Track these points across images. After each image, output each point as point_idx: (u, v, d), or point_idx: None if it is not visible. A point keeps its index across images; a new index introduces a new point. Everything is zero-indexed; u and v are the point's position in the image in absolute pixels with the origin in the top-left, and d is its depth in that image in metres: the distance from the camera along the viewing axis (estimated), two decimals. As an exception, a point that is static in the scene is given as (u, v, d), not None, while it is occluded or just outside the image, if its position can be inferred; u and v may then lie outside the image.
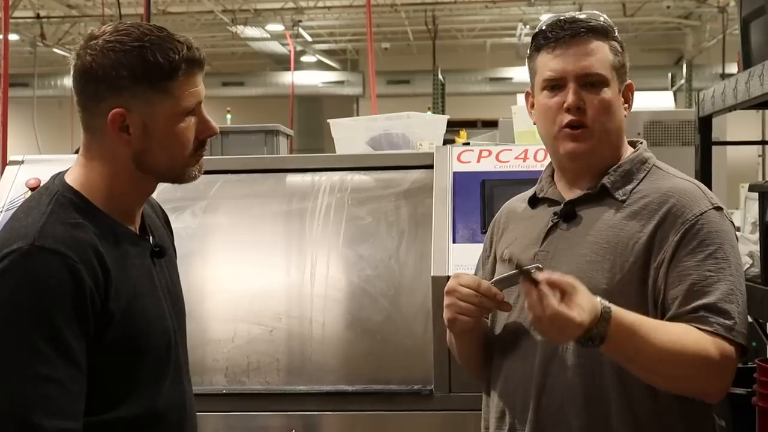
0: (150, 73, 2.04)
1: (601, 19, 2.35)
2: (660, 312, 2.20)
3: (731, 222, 2.28)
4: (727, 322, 2.14)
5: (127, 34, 2.06)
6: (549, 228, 2.35)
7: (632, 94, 2.37)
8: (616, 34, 2.34)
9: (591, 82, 2.28)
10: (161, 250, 2.24)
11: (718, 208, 2.25)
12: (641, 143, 2.42)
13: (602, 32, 2.31)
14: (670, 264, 2.19)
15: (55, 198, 2.07)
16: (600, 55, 2.29)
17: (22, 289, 1.92)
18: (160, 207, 2.45)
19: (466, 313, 2.27)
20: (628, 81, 2.36)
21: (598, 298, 2.04)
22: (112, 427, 2.06)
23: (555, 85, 2.30)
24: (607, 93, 2.29)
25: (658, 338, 2.09)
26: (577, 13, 2.38)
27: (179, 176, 2.18)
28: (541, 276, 2.01)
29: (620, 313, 2.06)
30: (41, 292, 1.92)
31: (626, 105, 2.36)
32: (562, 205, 2.36)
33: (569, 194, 2.37)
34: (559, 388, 2.25)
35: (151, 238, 2.24)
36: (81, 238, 2.00)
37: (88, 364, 1.99)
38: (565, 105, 2.28)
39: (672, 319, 2.17)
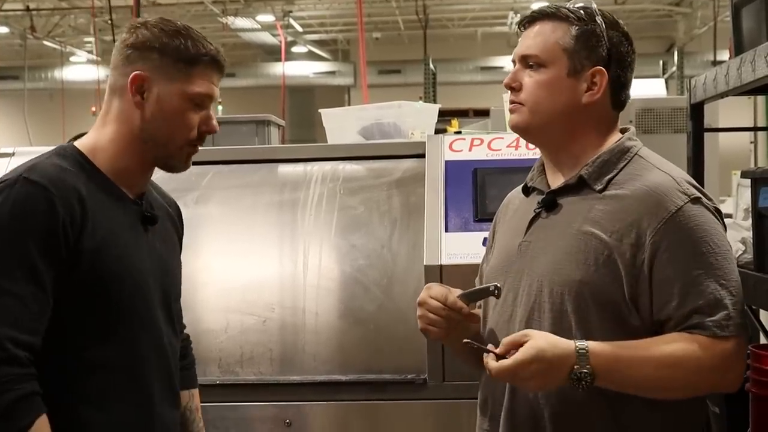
0: (177, 52, 2.31)
1: (578, 6, 2.36)
2: (648, 314, 2.20)
3: (714, 209, 2.25)
4: (721, 319, 2.14)
5: (172, 23, 2.36)
6: (532, 218, 2.37)
7: (602, 80, 2.32)
8: (594, 20, 2.33)
9: (528, 63, 2.35)
10: (152, 217, 2.41)
11: (695, 199, 2.22)
12: (628, 130, 2.41)
13: (559, 16, 2.34)
14: (652, 267, 2.18)
15: (56, 150, 2.33)
16: (544, 37, 2.34)
17: (2, 211, 2.15)
18: (176, 205, 2.65)
19: (435, 325, 2.35)
20: (597, 67, 2.32)
21: (575, 342, 2.11)
22: (87, 367, 2.23)
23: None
24: (545, 73, 2.33)
25: (645, 358, 2.13)
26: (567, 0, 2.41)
27: (170, 158, 2.38)
28: (495, 349, 2.13)
29: (598, 346, 2.12)
30: (17, 216, 2.14)
31: (590, 91, 2.33)
32: (545, 194, 2.38)
33: (555, 184, 2.38)
34: None
35: (146, 206, 2.41)
36: (66, 179, 2.21)
37: (63, 297, 2.17)
38: (503, 83, 2.41)
39: (665, 324, 2.18)
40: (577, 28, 2.32)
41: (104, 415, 2.25)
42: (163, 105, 2.31)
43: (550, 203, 2.34)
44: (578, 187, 2.31)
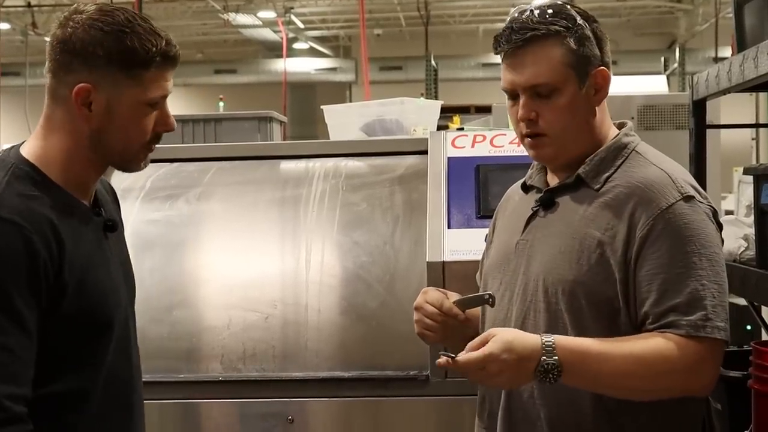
0: (125, 57, 2.09)
1: (560, 14, 2.26)
2: (633, 312, 2.19)
3: (710, 209, 2.22)
4: (697, 320, 2.11)
5: (111, 16, 2.11)
6: (529, 216, 2.36)
7: (606, 79, 2.29)
8: (577, 23, 2.25)
9: (539, 92, 2.24)
10: (113, 225, 2.28)
11: (688, 198, 2.19)
12: (626, 125, 2.38)
13: (552, 34, 2.23)
14: (637, 262, 2.17)
15: (11, 170, 2.10)
16: (547, 61, 2.23)
17: None
18: (108, 183, 2.47)
19: (431, 330, 2.37)
20: (599, 68, 2.28)
21: (540, 336, 2.10)
22: (62, 397, 2.10)
23: (512, 95, 2.30)
24: (561, 99, 2.24)
25: (614, 355, 2.10)
26: (534, 7, 2.28)
27: (128, 163, 2.23)
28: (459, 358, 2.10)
29: (564, 340, 2.11)
30: None
31: (599, 93, 2.29)
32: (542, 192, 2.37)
33: (553, 182, 2.37)
34: None
35: (103, 212, 2.28)
36: (37, 210, 2.04)
37: (43, 335, 2.03)
38: (518, 118, 2.29)
39: (644, 322, 2.16)
40: (571, 39, 2.24)
41: None
42: (114, 115, 2.12)
43: (548, 202, 2.33)
44: (576, 186, 2.30)
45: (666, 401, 2.21)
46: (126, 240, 2.42)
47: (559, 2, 2.30)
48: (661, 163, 2.28)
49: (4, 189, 2.05)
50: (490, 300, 2.32)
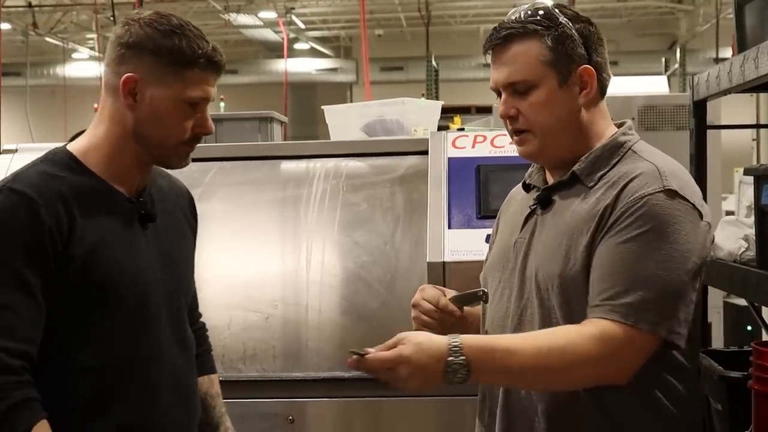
0: (171, 54, 2.25)
1: (539, 14, 2.30)
2: None
3: (691, 206, 2.18)
4: (624, 307, 2.09)
5: (166, 19, 2.28)
6: (527, 215, 2.38)
7: (592, 77, 2.30)
8: (559, 22, 2.28)
9: (516, 89, 2.29)
10: (148, 216, 2.37)
11: (670, 191, 2.16)
12: (624, 124, 2.39)
13: (529, 32, 2.28)
14: (600, 243, 2.17)
15: (47, 156, 2.31)
16: (524, 59, 2.27)
17: None
18: (189, 194, 2.63)
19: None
20: (584, 66, 2.29)
21: (449, 337, 2.10)
22: (80, 372, 2.23)
23: (498, 93, 2.35)
24: (538, 95, 2.28)
25: (523, 349, 2.10)
26: (523, 9, 2.34)
27: (166, 158, 2.36)
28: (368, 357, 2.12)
29: (471, 338, 2.11)
30: (2, 228, 2.14)
31: (584, 91, 2.30)
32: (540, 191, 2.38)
33: (551, 181, 2.38)
34: None
35: (147, 204, 2.38)
36: (51, 186, 2.20)
37: (57, 304, 2.17)
38: (499, 115, 2.36)
39: (589, 304, 2.15)
40: (549, 37, 2.27)
41: (104, 418, 2.24)
42: (156, 108, 2.27)
43: (545, 200, 2.35)
44: (571, 183, 2.31)
45: (660, 396, 2.21)
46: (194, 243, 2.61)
47: (548, 4, 2.34)
48: (652, 158, 2.27)
49: (30, 168, 2.26)
50: (484, 296, 2.36)
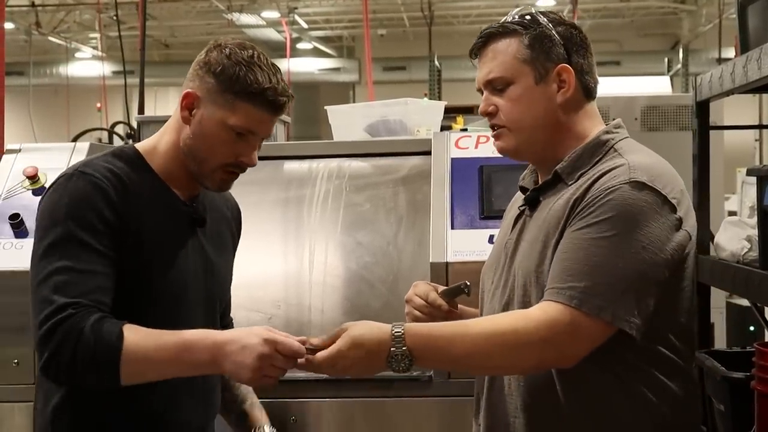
0: (229, 82, 2.34)
1: (522, 16, 2.36)
2: None
3: (662, 198, 2.16)
4: (570, 290, 2.10)
5: (243, 49, 2.39)
6: (517, 216, 2.43)
7: (570, 76, 2.33)
8: (539, 23, 2.34)
9: (495, 86, 2.36)
10: (199, 220, 2.48)
11: (636, 183, 2.16)
12: (609, 123, 2.41)
13: (509, 31, 2.35)
14: (563, 232, 2.20)
15: (113, 151, 2.46)
16: (502, 56, 2.35)
17: (59, 202, 2.29)
18: (237, 207, 2.78)
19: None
20: (561, 64, 2.33)
21: (392, 325, 2.13)
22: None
23: (482, 93, 2.42)
24: (514, 90, 2.34)
25: (465, 335, 2.12)
26: (513, 11, 2.41)
27: (202, 177, 2.43)
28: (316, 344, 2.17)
29: (414, 327, 2.15)
30: (74, 205, 2.27)
31: (562, 90, 2.33)
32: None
33: (540, 182, 2.42)
34: None
35: (199, 209, 2.49)
36: (117, 174, 2.35)
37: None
38: (479, 112, 2.42)
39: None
40: (526, 36, 2.33)
41: (122, 405, 2.32)
42: (203, 127, 2.38)
43: (533, 201, 2.38)
44: (554, 183, 2.34)
45: (650, 395, 2.21)
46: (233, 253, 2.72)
47: (533, 10, 2.40)
48: (629, 156, 2.27)
49: (99, 158, 2.41)
50: (466, 289, 2.44)
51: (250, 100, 2.35)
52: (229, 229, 2.69)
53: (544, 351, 2.12)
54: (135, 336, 2.16)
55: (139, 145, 2.49)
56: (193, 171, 2.43)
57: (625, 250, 2.12)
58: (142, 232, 2.33)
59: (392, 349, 2.10)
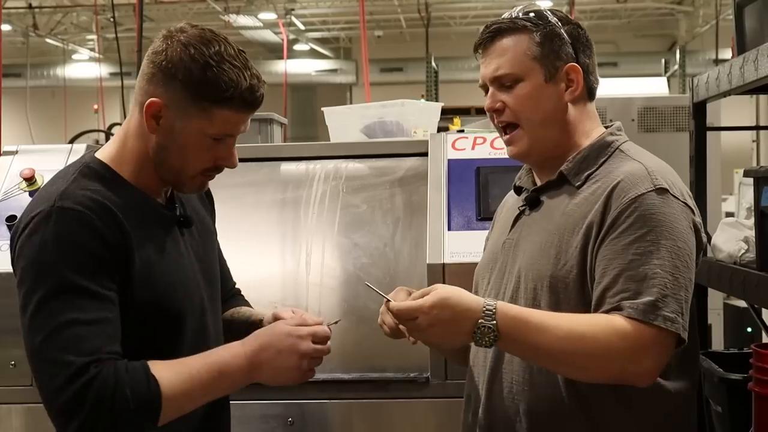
0: (200, 89, 2.14)
1: (530, 13, 2.35)
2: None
3: (683, 204, 2.21)
4: (644, 306, 2.09)
5: (207, 45, 2.16)
6: (516, 216, 2.41)
7: (578, 75, 2.34)
8: (548, 21, 2.34)
9: (503, 82, 2.34)
10: (187, 221, 2.34)
11: (661, 190, 2.18)
12: (612, 125, 2.41)
13: (518, 27, 2.33)
14: (600, 246, 2.18)
15: (79, 169, 2.21)
16: (512, 52, 2.32)
17: (46, 247, 2.06)
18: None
19: (387, 325, 2.34)
20: (570, 63, 2.34)
21: (485, 298, 2.10)
22: None
23: (485, 90, 2.40)
24: (523, 87, 2.32)
25: (555, 328, 2.09)
26: (516, 8, 2.40)
27: (180, 185, 2.29)
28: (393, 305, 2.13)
29: (507, 306, 2.12)
30: (64, 248, 2.06)
31: (570, 88, 2.34)
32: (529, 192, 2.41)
33: (539, 182, 2.41)
34: (507, 374, 2.31)
35: (179, 209, 2.34)
36: (100, 202, 2.13)
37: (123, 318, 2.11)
38: (485, 108, 2.39)
39: (598, 305, 2.15)
40: (537, 33, 2.32)
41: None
42: (177, 138, 2.19)
43: (534, 201, 2.38)
44: (559, 183, 2.34)
45: (647, 401, 2.20)
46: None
47: (540, 6, 2.40)
48: (640, 158, 2.29)
49: (70, 184, 2.15)
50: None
51: (228, 105, 2.17)
52: (205, 208, 2.55)
53: (627, 366, 2.10)
54: (166, 374, 2.07)
55: (101, 155, 2.27)
56: (167, 180, 2.27)
57: (676, 259, 2.14)
58: (143, 258, 2.17)
59: (480, 321, 2.06)
